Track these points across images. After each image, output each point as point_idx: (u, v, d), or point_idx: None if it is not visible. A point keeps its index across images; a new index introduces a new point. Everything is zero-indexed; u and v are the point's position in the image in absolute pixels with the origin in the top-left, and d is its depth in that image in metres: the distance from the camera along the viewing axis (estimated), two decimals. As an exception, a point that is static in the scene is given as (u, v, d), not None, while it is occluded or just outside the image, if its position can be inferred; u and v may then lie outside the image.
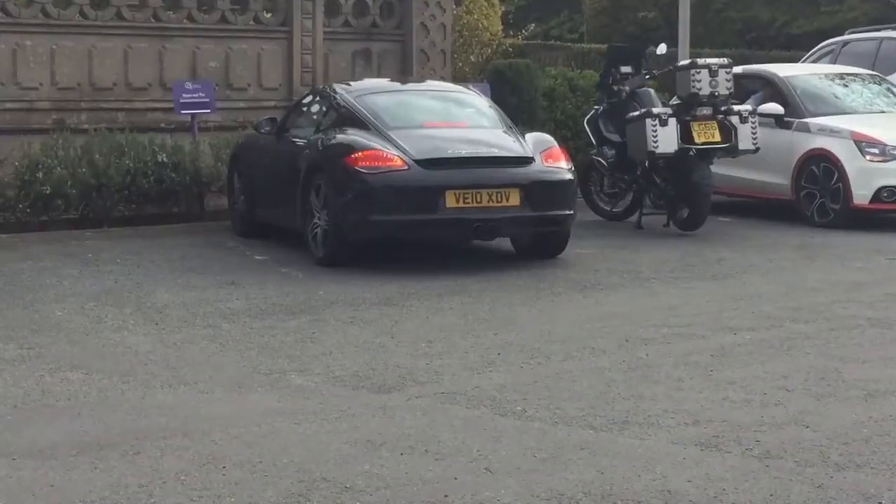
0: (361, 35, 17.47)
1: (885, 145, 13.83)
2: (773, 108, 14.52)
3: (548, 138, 11.99)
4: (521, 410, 6.53)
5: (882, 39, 17.92)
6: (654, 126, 12.95)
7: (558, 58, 26.13)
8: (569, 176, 11.42)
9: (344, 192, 10.89)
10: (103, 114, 15.26)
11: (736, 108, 13.37)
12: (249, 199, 12.91)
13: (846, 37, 19.02)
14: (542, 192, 11.07)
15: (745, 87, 15.08)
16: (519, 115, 15.02)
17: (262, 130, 12.73)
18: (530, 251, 11.64)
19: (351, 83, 13.12)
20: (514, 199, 10.88)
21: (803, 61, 19.20)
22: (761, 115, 13.95)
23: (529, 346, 8.03)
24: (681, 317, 9.00)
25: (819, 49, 19.25)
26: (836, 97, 15.17)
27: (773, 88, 15.08)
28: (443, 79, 16.90)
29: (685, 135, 13.10)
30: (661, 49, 14.74)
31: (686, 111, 13.24)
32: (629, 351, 7.92)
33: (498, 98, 14.70)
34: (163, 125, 15.39)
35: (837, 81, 15.62)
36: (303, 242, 11.49)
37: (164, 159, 14.01)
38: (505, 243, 11.84)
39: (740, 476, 5.46)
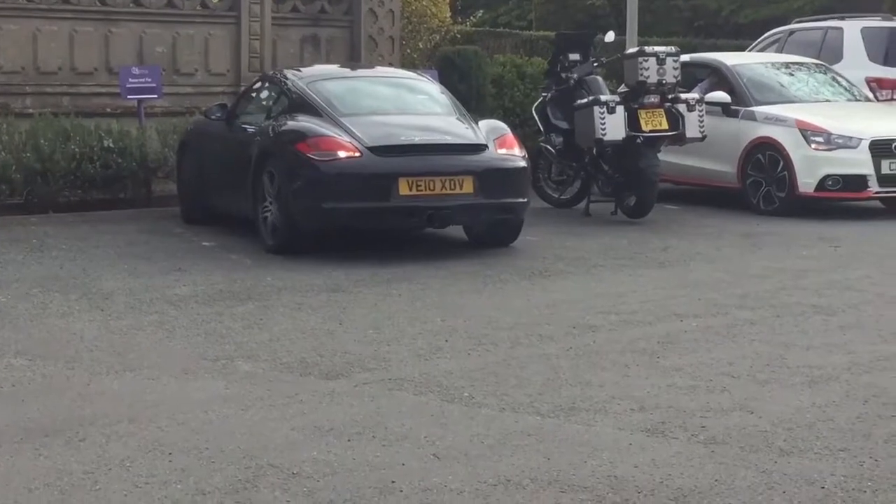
0: (310, 21, 17.43)
1: (830, 134, 13.95)
2: (720, 96, 14.61)
3: (501, 125, 11.95)
4: (469, 397, 6.54)
5: (827, 29, 18.05)
6: (602, 113, 13.00)
7: (507, 45, 26.12)
8: (522, 163, 11.36)
9: (295, 180, 10.76)
10: (48, 98, 15.15)
11: (683, 96, 13.45)
12: (200, 185, 12.71)
13: (792, 26, 19.16)
14: (495, 179, 10.99)
15: (693, 76, 15.16)
16: (467, 103, 14.99)
17: (213, 116, 12.55)
18: (483, 239, 11.60)
19: (301, 69, 12.96)
20: (468, 186, 10.81)
21: (750, 50, 19.34)
22: (708, 103, 14.02)
23: (477, 332, 8.04)
24: (628, 304, 9.04)
25: (766, 38, 19.38)
26: (783, 86, 15.30)
27: (719, 77, 15.18)
28: (391, 65, 16.88)
29: (633, 122, 13.16)
30: (609, 37, 14.78)
31: (633, 99, 13.30)
32: (576, 338, 7.95)
33: (446, 85, 14.64)
34: (109, 110, 15.30)
35: (784, 70, 15.75)
36: (252, 229, 11.44)
37: (111, 145, 13.88)
38: (457, 231, 11.82)
39: (685, 462, 5.50)
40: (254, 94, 12.70)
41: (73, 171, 13.63)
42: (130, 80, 14.69)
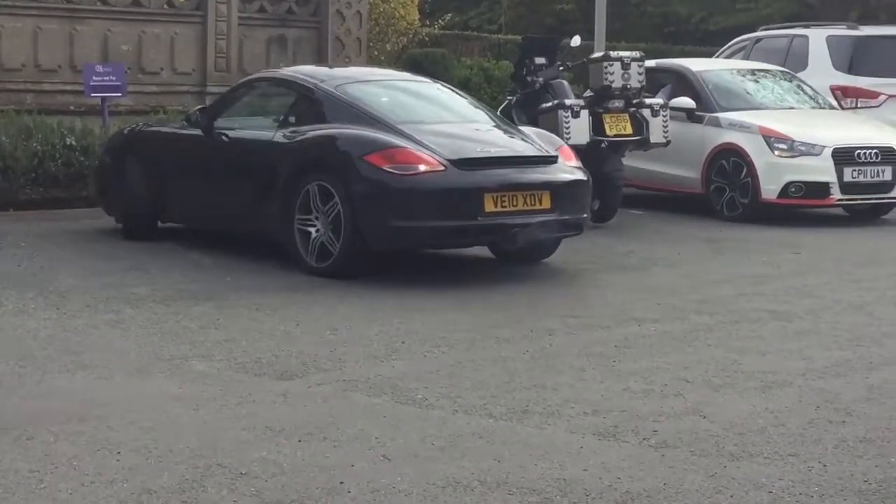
0: (277, 21, 17.41)
1: (794, 141, 14.00)
2: (685, 102, 14.64)
3: (552, 136, 11.27)
4: (422, 399, 6.53)
5: (793, 37, 18.13)
6: (567, 117, 13.00)
7: (474, 48, 26.18)
8: (586, 177, 10.57)
9: (366, 195, 9.62)
10: (11, 95, 15.07)
11: (648, 101, 13.48)
12: (153, 199, 11.53)
13: (759, 33, 19.23)
14: (568, 193, 10.17)
15: (659, 81, 15.20)
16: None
17: (197, 124, 11.21)
18: (515, 257, 10.64)
19: (303, 70, 11.61)
20: (546, 201, 9.94)
21: (717, 57, 19.41)
22: (673, 108, 14.06)
23: (434, 334, 8.02)
24: (587, 307, 9.05)
25: (732, 45, 19.45)
26: (748, 93, 15.35)
27: (685, 83, 15.21)
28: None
29: (597, 127, 13.17)
30: (576, 41, 14.80)
31: (598, 103, 13.31)
32: (533, 341, 7.95)
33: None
34: (73, 108, 15.22)
35: (749, 77, 15.81)
36: (233, 243, 11.05)
37: (73, 143, 13.79)
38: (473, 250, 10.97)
39: (636, 465, 5.50)
40: (243, 99, 11.57)
41: (34, 168, 13.53)
42: (94, 77, 14.60)
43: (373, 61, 19.13)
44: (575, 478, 5.32)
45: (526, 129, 11.17)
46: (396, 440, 5.79)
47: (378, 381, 6.85)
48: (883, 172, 14.11)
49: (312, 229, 9.95)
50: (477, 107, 11.47)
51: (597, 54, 14.20)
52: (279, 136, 10.50)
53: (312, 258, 9.95)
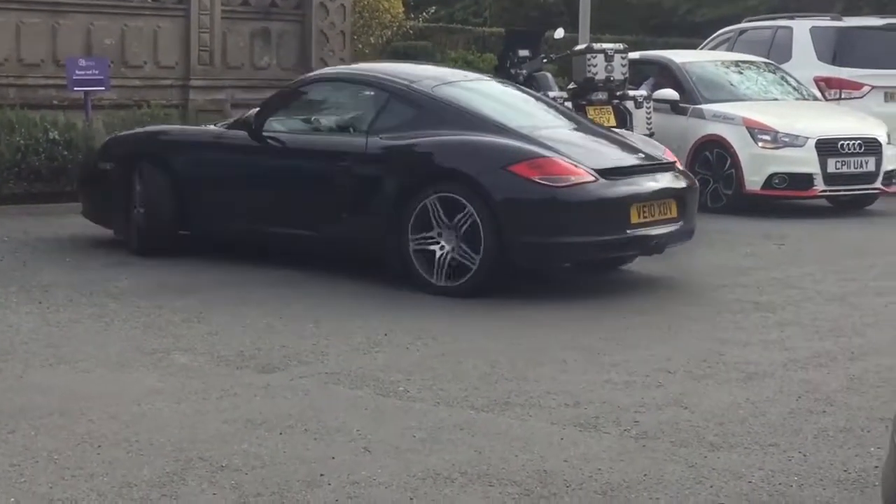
0: (260, 15, 17.38)
1: (777, 132, 14.04)
2: (669, 93, 14.68)
3: (650, 139, 10.91)
4: (404, 391, 6.53)
5: (777, 28, 18.15)
6: (550, 110, 12.97)
7: (459, 41, 26.14)
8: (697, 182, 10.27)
9: (513, 210, 8.95)
10: (-6, 90, 15.03)
11: (631, 93, 13.52)
12: (184, 212, 10.41)
13: (743, 25, 19.26)
14: (688, 201, 9.76)
15: (642, 73, 15.22)
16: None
17: (249, 125, 10.24)
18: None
19: (381, 68, 10.78)
20: (673, 210, 9.52)
21: (701, 48, 19.42)
22: (657, 100, 14.10)
23: (417, 327, 8.02)
24: (571, 300, 9.05)
25: (716, 36, 19.48)
26: (732, 84, 15.39)
27: (669, 74, 15.23)
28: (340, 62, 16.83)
29: (581, 119, 13.15)
30: (559, 33, 14.83)
31: (582, 95, 13.35)
32: (516, 332, 7.95)
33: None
34: (56, 102, 15.18)
35: (733, 69, 15.84)
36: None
37: (57, 137, 13.75)
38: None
39: (616, 456, 5.51)
40: (300, 100, 10.57)
41: (17, 163, 13.49)
42: (77, 72, 14.56)
43: (357, 55, 19.11)
44: (555, 469, 5.32)
45: (619, 130, 10.69)
46: (377, 432, 5.79)
47: (360, 374, 6.85)
48: (866, 163, 14.17)
49: (436, 247, 9.12)
50: (551, 105, 10.93)
51: (580, 46, 14.23)
52: (373, 142, 9.58)
53: (440, 277, 9.10)
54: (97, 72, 14.69)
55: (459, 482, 5.15)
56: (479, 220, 8.93)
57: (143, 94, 15.73)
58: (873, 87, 16.71)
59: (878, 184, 14.35)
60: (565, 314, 8.53)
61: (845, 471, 5.36)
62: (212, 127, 11.00)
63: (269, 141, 10.10)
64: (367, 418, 6.02)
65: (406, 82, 9.89)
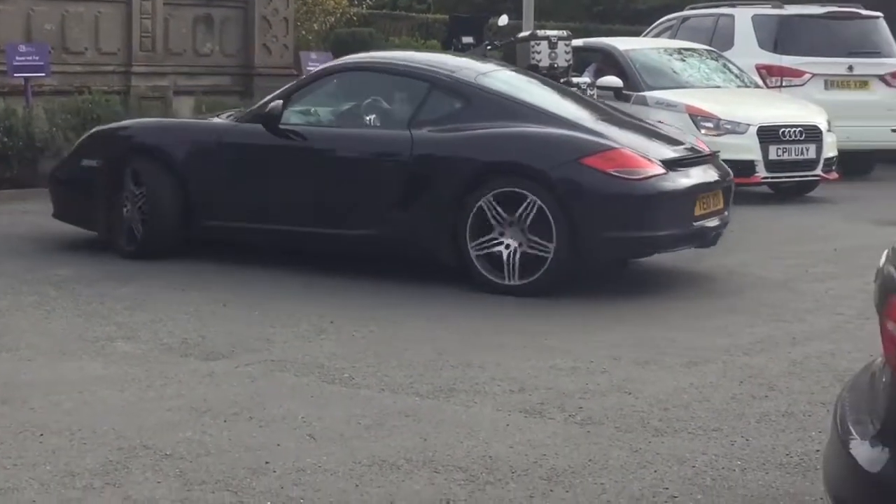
0: (203, 1, 17.23)
1: (719, 119, 14.13)
2: (612, 80, 14.71)
3: (679, 130, 10.76)
4: (349, 378, 6.52)
5: (719, 16, 18.24)
6: (494, 97, 12.97)
7: (403, 28, 26.11)
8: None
9: (589, 204, 8.65)
10: (-68, 75, 14.82)
11: (575, 80, 13.54)
12: (192, 211, 9.75)
13: (686, 12, 19.34)
14: (729, 191, 9.66)
15: (586, 60, 15.25)
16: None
17: (275, 117, 9.52)
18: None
19: (415, 57, 10.47)
20: (720, 200, 9.41)
21: (644, 36, 19.49)
22: (600, 87, 14.13)
23: (363, 314, 8.01)
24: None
25: (659, 24, 19.56)
26: (674, 71, 15.45)
27: (612, 62, 15.27)
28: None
29: (524, 106, 13.16)
30: (503, 20, 14.85)
31: (526, 83, 13.31)
32: (463, 319, 7.96)
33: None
34: (-5, 88, 15.00)
35: (675, 56, 15.91)
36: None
37: (-3, 123, 13.62)
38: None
39: (561, 442, 5.53)
40: (330, 90, 10.02)
41: (-43, 149, 13.35)
42: (17, 57, 14.41)
43: (300, 42, 19.02)
44: (500, 455, 5.33)
45: (649, 121, 10.65)
46: (323, 419, 5.78)
47: (306, 361, 6.83)
48: (807, 150, 14.29)
49: (501, 248, 8.75)
50: (594, 99, 10.62)
51: (524, 33, 14.27)
52: (420, 134, 9.11)
53: (514, 277, 8.74)
54: (37, 58, 14.54)
55: (405, 469, 5.15)
56: (547, 212, 8.60)
57: (84, 80, 15.56)
58: (814, 75, 16.83)
59: (818, 170, 14.48)
60: (511, 301, 8.53)
61: (787, 455, 5.41)
62: (217, 119, 10.42)
63: (291, 136, 9.53)
64: (313, 405, 6.01)
65: (448, 72, 9.48)
